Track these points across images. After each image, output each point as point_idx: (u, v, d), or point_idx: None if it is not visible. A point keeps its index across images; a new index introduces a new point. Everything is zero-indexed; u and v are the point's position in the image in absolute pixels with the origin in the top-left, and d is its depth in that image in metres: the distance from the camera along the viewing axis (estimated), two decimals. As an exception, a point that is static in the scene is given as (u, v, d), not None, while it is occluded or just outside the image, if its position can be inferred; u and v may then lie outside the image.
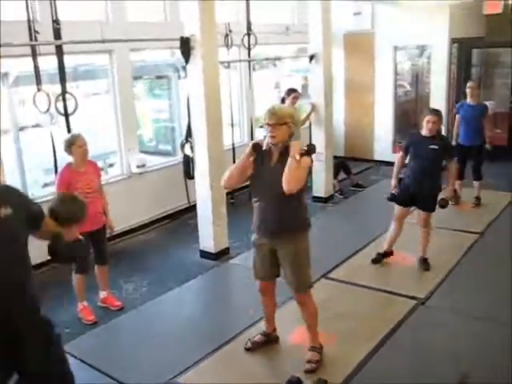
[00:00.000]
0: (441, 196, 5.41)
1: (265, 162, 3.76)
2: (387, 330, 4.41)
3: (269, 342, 4.26)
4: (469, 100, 7.36)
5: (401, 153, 5.60)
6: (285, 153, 3.66)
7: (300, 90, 10.81)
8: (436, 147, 5.25)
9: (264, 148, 3.75)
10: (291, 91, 7.66)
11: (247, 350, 4.20)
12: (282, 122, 3.63)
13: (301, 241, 3.80)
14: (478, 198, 7.54)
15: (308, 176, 3.73)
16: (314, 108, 8.09)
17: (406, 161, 5.58)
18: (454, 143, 7.27)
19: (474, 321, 4.53)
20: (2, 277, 2.35)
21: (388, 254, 5.76)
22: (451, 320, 4.59)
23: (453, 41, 9.58)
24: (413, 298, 4.94)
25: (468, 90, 7.35)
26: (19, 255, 2.46)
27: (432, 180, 5.40)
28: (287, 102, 7.45)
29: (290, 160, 3.57)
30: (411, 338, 4.34)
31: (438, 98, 9.64)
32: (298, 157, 3.55)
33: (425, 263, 5.57)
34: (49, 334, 2.61)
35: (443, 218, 6.23)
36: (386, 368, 3.93)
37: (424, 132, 5.35)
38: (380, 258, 5.74)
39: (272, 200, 3.72)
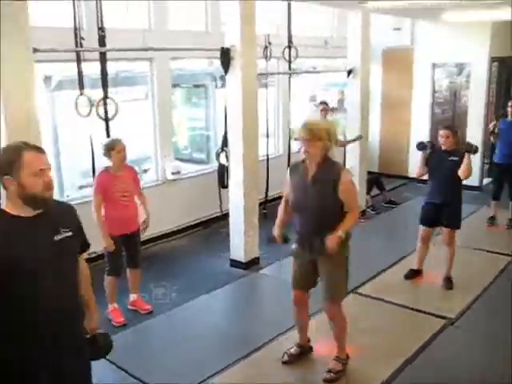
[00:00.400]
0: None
1: (302, 176, 3.78)
2: (415, 348, 4.37)
3: (304, 353, 4.25)
4: (510, 118, 7.23)
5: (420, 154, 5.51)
6: (322, 166, 3.68)
7: (336, 104, 10.89)
8: (456, 158, 5.22)
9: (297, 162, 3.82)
10: (320, 103, 7.76)
11: (284, 363, 4.16)
12: (317, 138, 3.62)
13: (339, 253, 3.75)
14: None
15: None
16: (359, 138, 8.03)
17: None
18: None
19: (504, 344, 4.45)
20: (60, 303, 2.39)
21: (418, 272, 5.73)
22: (480, 342, 4.53)
23: (493, 59, 9.47)
24: (442, 317, 4.88)
25: (510, 109, 7.23)
26: (73, 279, 2.52)
27: (453, 193, 5.36)
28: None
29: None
30: (438, 358, 4.29)
31: (476, 117, 9.53)
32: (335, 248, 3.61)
33: (448, 282, 5.52)
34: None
35: (478, 239, 6.14)
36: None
37: (442, 147, 5.34)
38: (411, 275, 5.72)
39: (312, 214, 3.74)
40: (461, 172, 5.18)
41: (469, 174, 5.24)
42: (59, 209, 2.50)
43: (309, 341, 4.29)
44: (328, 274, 3.81)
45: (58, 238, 2.35)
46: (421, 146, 5.45)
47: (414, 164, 5.62)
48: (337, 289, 3.84)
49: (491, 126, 7.54)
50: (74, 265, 2.50)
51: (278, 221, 4.05)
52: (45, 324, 2.33)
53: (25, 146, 2.30)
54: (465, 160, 5.15)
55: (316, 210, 3.67)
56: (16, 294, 2.27)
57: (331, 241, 3.59)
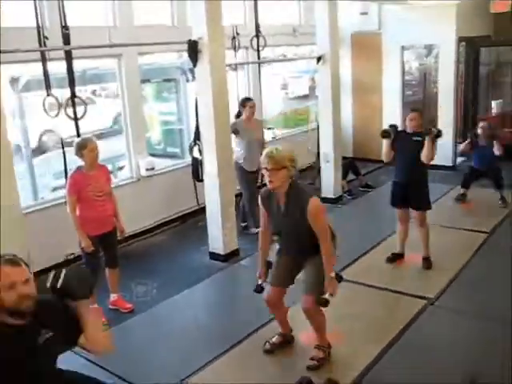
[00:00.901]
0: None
1: (275, 203, 3.81)
2: (397, 330, 4.42)
3: (286, 342, 4.27)
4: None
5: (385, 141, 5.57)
6: (290, 195, 3.69)
7: (307, 92, 10.90)
8: (419, 138, 5.29)
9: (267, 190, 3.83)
10: (246, 101, 7.01)
11: (266, 351, 4.18)
12: (280, 166, 3.59)
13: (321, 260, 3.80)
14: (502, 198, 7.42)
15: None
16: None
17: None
18: None
19: (484, 321, 4.52)
20: None
21: (400, 255, 5.80)
22: (460, 320, 4.59)
23: (460, 39, 9.55)
24: (422, 297, 4.94)
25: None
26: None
27: (418, 173, 5.43)
28: (244, 113, 6.91)
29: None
30: (421, 339, 4.34)
31: (447, 97, 9.61)
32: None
33: (427, 262, 5.59)
34: None
35: (452, 218, 6.19)
36: (396, 368, 3.94)
37: (408, 130, 5.43)
38: (393, 258, 5.78)
39: (291, 239, 3.86)
40: (423, 156, 5.24)
41: (430, 157, 5.28)
42: (43, 309, 2.46)
43: (291, 330, 4.31)
44: (313, 273, 3.84)
45: (41, 340, 2.40)
46: (385, 134, 5.51)
47: (383, 147, 5.63)
48: (318, 285, 3.83)
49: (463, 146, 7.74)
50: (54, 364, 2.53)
51: (260, 260, 4.08)
52: None
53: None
54: (425, 144, 5.21)
55: (294, 235, 3.77)
56: None
57: (331, 287, 3.71)
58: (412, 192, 5.46)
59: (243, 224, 7.17)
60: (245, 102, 6.90)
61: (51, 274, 2.47)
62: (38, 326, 2.40)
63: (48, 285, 2.44)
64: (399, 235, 5.80)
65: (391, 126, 5.64)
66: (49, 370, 2.48)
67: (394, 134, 5.48)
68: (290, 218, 3.71)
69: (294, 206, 3.67)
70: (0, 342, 2.32)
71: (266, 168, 3.60)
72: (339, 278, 3.81)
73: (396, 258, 5.79)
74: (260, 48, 7.80)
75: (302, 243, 3.80)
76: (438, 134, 5.28)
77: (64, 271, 2.47)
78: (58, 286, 2.42)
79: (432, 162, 5.39)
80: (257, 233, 4.22)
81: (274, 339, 4.25)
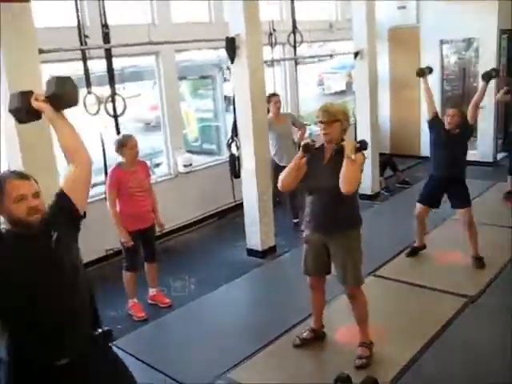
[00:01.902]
0: None
1: (318, 160, 3.80)
2: (437, 328, 4.36)
3: (317, 338, 4.27)
4: None
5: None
6: (338, 151, 3.68)
7: (344, 87, 10.83)
8: (459, 136, 5.26)
9: (317, 146, 3.78)
10: (271, 96, 6.93)
11: (296, 346, 4.21)
12: (335, 119, 3.67)
13: (352, 237, 3.84)
14: None
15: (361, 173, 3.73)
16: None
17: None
18: None
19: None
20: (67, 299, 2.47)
21: (420, 248, 5.81)
22: (502, 318, 4.50)
23: (502, 32, 9.33)
24: (463, 295, 4.86)
25: None
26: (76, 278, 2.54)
27: (458, 167, 5.38)
28: (271, 109, 6.85)
29: (345, 160, 3.57)
30: (461, 337, 4.27)
31: (487, 92, 9.38)
32: (353, 156, 3.56)
33: (478, 261, 5.47)
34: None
35: (494, 215, 6.07)
36: (435, 367, 3.89)
37: (446, 126, 5.33)
38: (413, 251, 5.79)
39: (325, 198, 3.76)
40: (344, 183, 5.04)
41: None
42: (50, 214, 2.52)
43: (323, 327, 4.29)
44: (341, 259, 3.83)
45: (53, 245, 2.44)
46: (421, 73, 5.73)
47: (426, 143, 5.58)
48: (353, 272, 3.84)
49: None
50: (72, 262, 2.54)
51: None
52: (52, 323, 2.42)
53: (8, 175, 2.46)
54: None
55: (330, 189, 3.66)
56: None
57: (348, 146, 3.60)
58: (454, 188, 5.38)
59: (295, 220, 7.15)
60: (270, 98, 6.85)
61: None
62: (47, 232, 2.44)
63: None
64: (418, 232, 5.79)
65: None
66: (71, 267, 2.50)
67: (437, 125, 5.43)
68: (332, 170, 3.64)
69: (340, 161, 3.62)
70: (18, 246, 2.38)
71: (320, 121, 3.68)
72: (364, 145, 3.69)
73: (417, 250, 5.78)
74: (297, 44, 7.77)
75: (335, 207, 3.73)
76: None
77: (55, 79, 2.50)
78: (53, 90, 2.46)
79: (472, 158, 5.31)
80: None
81: (304, 334, 4.26)
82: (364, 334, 4.02)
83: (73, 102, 2.57)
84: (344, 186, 3.57)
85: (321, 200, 3.82)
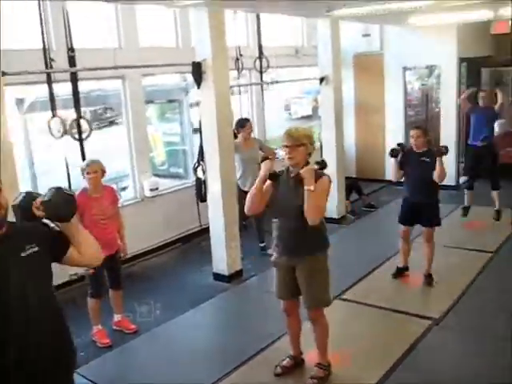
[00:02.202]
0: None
1: (283, 183, 3.82)
2: (402, 351, 4.38)
3: (296, 365, 4.21)
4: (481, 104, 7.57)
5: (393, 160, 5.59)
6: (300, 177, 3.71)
7: (311, 112, 10.96)
8: (428, 159, 5.31)
9: (281, 169, 3.83)
10: (244, 122, 6.96)
11: (277, 375, 4.13)
12: (299, 143, 3.69)
13: (319, 260, 3.84)
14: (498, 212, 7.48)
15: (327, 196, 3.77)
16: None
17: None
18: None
19: (490, 340, 4.49)
20: (33, 310, 2.45)
21: (405, 269, 5.85)
22: (466, 340, 4.56)
23: (461, 60, 9.62)
24: (428, 318, 4.91)
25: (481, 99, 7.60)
26: (46, 290, 2.55)
27: (430, 192, 5.45)
28: (242, 135, 6.82)
29: (306, 192, 3.60)
30: (425, 360, 4.31)
31: (449, 117, 9.66)
32: (312, 187, 3.59)
33: (429, 278, 5.60)
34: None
35: (457, 238, 6.19)
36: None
37: (414, 148, 5.44)
38: (398, 273, 5.83)
39: (292, 221, 3.78)
40: (436, 176, 5.25)
41: (443, 176, 5.31)
42: (23, 229, 2.51)
43: (301, 353, 4.26)
44: (305, 279, 3.84)
45: (24, 254, 2.42)
46: (394, 153, 5.51)
47: (391, 167, 5.68)
48: (315, 294, 3.85)
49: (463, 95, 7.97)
50: (46, 277, 2.55)
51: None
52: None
53: None
54: (437, 164, 5.21)
55: (297, 213, 3.67)
56: None
57: (307, 177, 3.63)
58: (424, 210, 5.46)
59: (261, 245, 7.13)
60: (244, 123, 6.91)
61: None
62: (22, 242, 2.42)
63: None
64: (403, 252, 5.81)
65: (399, 144, 5.69)
66: (35, 283, 2.46)
67: (401, 153, 5.49)
68: (297, 197, 3.65)
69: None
70: None
71: (285, 145, 3.70)
72: (323, 164, 3.79)
73: (401, 272, 5.83)
74: (263, 69, 7.86)
75: (302, 230, 3.73)
76: (446, 151, 5.29)
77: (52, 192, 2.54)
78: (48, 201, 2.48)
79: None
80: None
81: (284, 362, 4.20)
82: (322, 355, 4.02)
83: (64, 217, 2.58)
84: (309, 216, 3.62)
85: (287, 223, 3.84)
